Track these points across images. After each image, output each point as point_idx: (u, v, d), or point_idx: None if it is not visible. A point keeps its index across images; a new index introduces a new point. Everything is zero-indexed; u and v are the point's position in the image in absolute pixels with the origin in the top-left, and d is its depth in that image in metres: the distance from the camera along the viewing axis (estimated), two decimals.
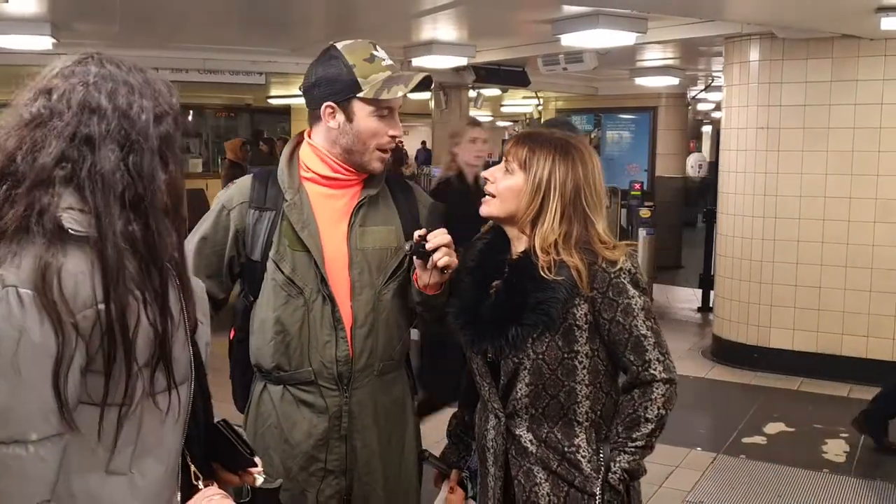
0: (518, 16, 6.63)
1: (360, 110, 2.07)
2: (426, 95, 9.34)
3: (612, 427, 1.94)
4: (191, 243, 2.13)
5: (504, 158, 2.01)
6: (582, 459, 1.92)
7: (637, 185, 9.23)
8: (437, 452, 2.28)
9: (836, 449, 5.05)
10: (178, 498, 1.49)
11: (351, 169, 2.14)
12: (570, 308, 1.89)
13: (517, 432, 1.98)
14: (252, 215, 2.14)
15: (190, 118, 16.30)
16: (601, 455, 1.91)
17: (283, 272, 2.09)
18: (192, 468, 1.54)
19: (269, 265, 2.10)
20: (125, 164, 1.34)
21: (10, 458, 1.23)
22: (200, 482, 1.54)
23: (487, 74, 9.73)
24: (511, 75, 9.83)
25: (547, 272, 1.89)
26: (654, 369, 1.90)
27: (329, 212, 2.14)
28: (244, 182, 2.21)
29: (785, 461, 4.85)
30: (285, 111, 16.19)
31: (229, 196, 2.19)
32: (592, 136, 13.46)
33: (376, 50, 2.10)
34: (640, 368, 1.90)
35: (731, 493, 4.48)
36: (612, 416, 1.96)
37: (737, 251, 6.90)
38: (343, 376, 2.11)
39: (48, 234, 1.27)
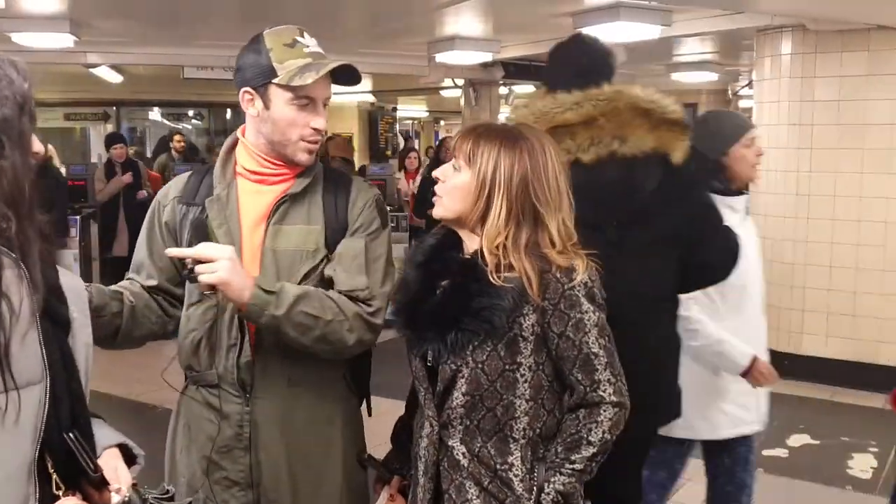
0: (539, 8, 6.46)
1: (277, 97, 1.94)
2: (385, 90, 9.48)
3: (552, 447, 1.77)
4: (141, 240, 2.11)
5: (453, 155, 1.85)
6: (514, 478, 1.76)
7: None
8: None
9: (862, 464, 4.77)
10: None
11: (279, 162, 2.02)
12: (517, 317, 1.73)
13: (450, 443, 1.82)
14: (180, 210, 2.06)
15: (228, 116, 16.43)
16: (535, 475, 1.76)
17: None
18: (55, 477, 1.41)
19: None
20: None
21: None
22: (62, 492, 1.41)
23: (517, 70, 9.58)
24: (542, 70, 9.64)
25: (495, 276, 1.73)
26: (604, 391, 1.74)
27: (254, 209, 2.02)
28: (182, 177, 2.14)
29: (805, 476, 4.59)
30: None
31: (165, 191, 2.14)
32: None
33: (301, 36, 1.96)
34: (587, 388, 1.74)
35: None
36: (553, 435, 1.79)
37: (767, 253, 6.57)
38: (245, 383, 1.99)
39: None
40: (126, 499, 1.45)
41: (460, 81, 10.52)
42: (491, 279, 1.73)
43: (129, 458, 1.56)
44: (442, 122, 21.89)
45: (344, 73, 1.96)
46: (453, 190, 1.82)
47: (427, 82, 9.89)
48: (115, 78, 10.27)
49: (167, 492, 1.58)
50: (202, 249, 1.84)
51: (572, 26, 6.38)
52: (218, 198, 2.01)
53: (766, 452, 4.95)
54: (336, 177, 2.12)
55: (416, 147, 16.87)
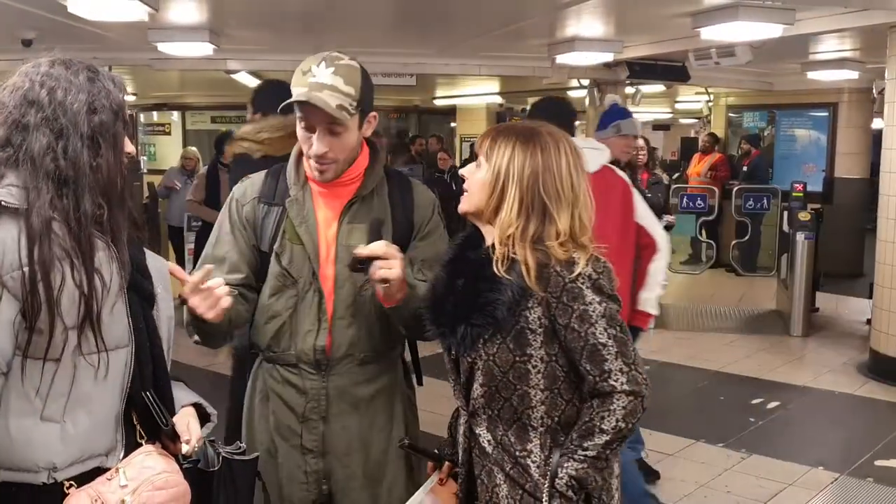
0: (658, 9, 6.41)
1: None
2: (408, 82, 9.19)
3: (569, 434, 1.85)
4: (220, 236, 2.28)
5: (476, 154, 1.98)
6: (531, 464, 1.85)
7: (799, 187, 8.62)
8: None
9: None
10: (121, 454, 1.64)
11: None
12: (522, 311, 1.82)
13: (477, 431, 1.94)
14: (262, 209, 2.26)
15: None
16: (551, 461, 1.83)
17: (281, 263, 2.21)
18: (138, 428, 1.69)
19: (273, 257, 2.22)
20: (54, 148, 1.54)
21: None
22: (144, 441, 1.68)
23: (642, 70, 9.43)
24: (669, 70, 9.48)
25: (499, 268, 1.82)
26: (615, 380, 1.78)
27: (327, 209, 2.23)
28: (258, 177, 2.33)
29: None
30: (450, 111, 16.43)
31: (243, 190, 2.32)
32: (765, 133, 12.76)
33: (318, 65, 2.09)
34: (597, 378, 1.79)
35: None
36: (573, 424, 1.86)
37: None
38: (321, 363, 2.21)
39: None
40: (194, 450, 1.69)
41: (585, 82, 10.48)
42: (495, 270, 1.82)
43: (204, 417, 1.83)
44: (575, 123, 21.69)
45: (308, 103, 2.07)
46: (473, 185, 1.94)
47: (550, 83, 9.89)
48: (253, 83, 10.80)
49: (239, 447, 1.84)
50: (385, 248, 2.01)
51: (691, 26, 6.31)
52: (296, 199, 2.22)
53: (878, 462, 4.78)
54: (398, 178, 2.33)
55: None
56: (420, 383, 2.45)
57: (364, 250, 2.00)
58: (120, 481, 1.56)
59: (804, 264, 7.90)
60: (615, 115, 4.23)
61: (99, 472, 1.59)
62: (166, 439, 1.72)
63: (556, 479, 1.80)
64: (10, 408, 1.52)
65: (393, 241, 2.15)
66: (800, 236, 7.97)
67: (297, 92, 2.07)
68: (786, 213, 8.72)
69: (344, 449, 2.25)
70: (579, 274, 1.80)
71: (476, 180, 1.93)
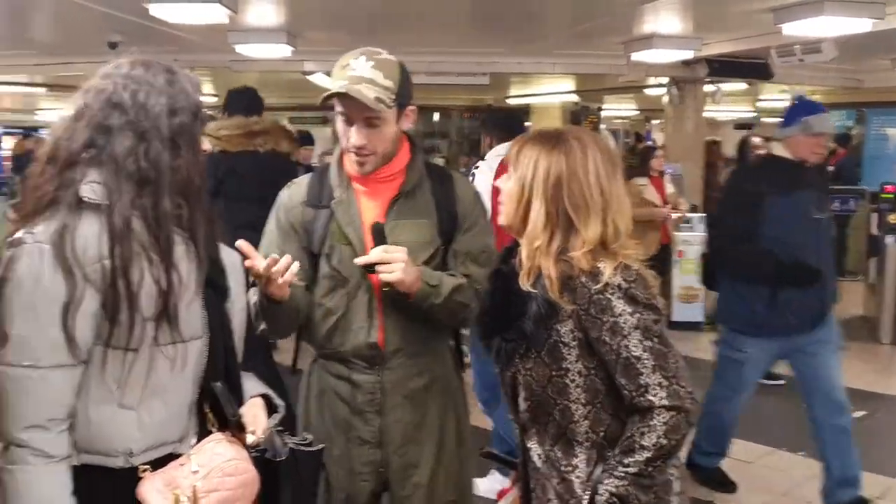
0: (739, 5, 6.24)
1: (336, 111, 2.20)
2: (481, 81, 9.04)
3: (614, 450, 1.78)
4: (273, 240, 2.31)
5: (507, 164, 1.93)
6: (576, 480, 1.80)
7: (889, 188, 8.27)
8: None
9: None
10: (193, 441, 1.72)
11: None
12: (554, 324, 1.76)
13: (529, 445, 1.90)
14: (309, 213, 2.31)
15: (436, 119, 16.93)
16: (594, 477, 1.78)
17: (331, 264, 2.26)
18: (210, 417, 1.75)
19: (322, 258, 2.28)
20: (136, 150, 1.61)
21: (22, 378, 1.52)
22: (214, 429, 1.74)
23: (722, 67, 9.20)
24: (750, 68, 9.22)
25: (524, 282, 1.78)
26: (653, 395, 1.70)
27: (372, 207, 2.27)
28: (302, 181, 2.39)
29: None
30: (525, 110, 16.32)
31: (289, 195, 2.37)
32: (853, 133, 12.31)
33: (357, 59, 2.13)
34: (633, 393, 1.72)
35: None
36: (619, 439, 1.79)
37: None
38: (374, 358, 2.27)
39: (70, 203, 1.57)
40: (260, 440, 1.76)
41: (663, 80, 10.28)
42: (521, 285, 1.77)
43: (272, 408, 1.88)
44: (654, 122, 21.33)
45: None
46: (504, 196, 1.89)
47: (627, 81, 9.74)
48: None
49: (305, 439, 1.90)
50: (383, 254, 2.08)
51: (773, 22, 6.12)
52: (341, 200, 2.26)
53: None
54: (438, 171, 2.38)
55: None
56: (462, 370, 2.50)
57: (360, 260, 2.10)
58: (192, 467, 1.63)
59: (894, 269, 7.59)
60: (803, 111, 3.93)
61: (172, 457, 1.66)
62: (234, 429, 1.77)
63: (596, 496, 1.73)
64: (90, 395, 1.59)
65: (438, 235, 2.26)
66: (889, 240, 7.67)
67: (337, 85, 2.09)
68: (875, 216, 8.39)
69: (400, 440, 2.30)
70: (606, 284, 1.73)
71: (506, 193, 1.89)
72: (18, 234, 1.56)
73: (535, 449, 1.88)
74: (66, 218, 1.56)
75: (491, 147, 4.54)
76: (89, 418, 1.60)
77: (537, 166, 1.81)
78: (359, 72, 2.10)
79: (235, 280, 1.82)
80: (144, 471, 1.62)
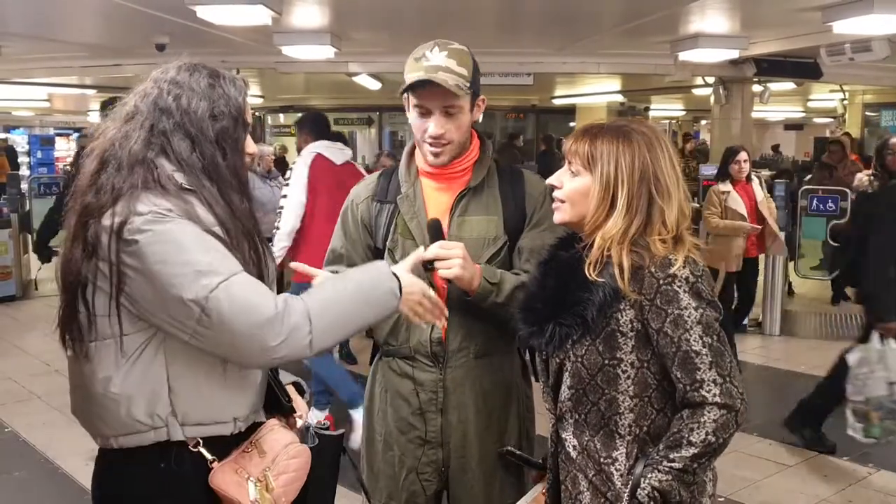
0: (786, 3, 6.14)
1: (407, 105, 2.23)
2: (525, 81, 8.97)
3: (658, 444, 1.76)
4: (339, 234, 2.38)
5: (566, 160, 1.89)
6: (615, 472, 1.78)
7: None
8: None
9: None
10: (263, 418, 1.84)
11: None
12: (614, 312, 1.75)
13: (563, 436, 1.89)
14: (375, 207, 2.33)
15: (480, 119, 16.90)
16: (635, 471, 1.75)
17: (395, 259, 2.22)
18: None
19: (386, 253, 2.28)
20: (194, 150, 1.71)
21: (234, 286, 1.60)
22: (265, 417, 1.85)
23: (770, 67, 9.07)
24: (799, 67, 9.08)
25: (591, 271, 1.77)
26: (707, 391, 1.68)
27: (438, 203, 2.27)
28: (372, 178, 2.43)
29: None
30: (570, 110, 16.27)
31: (358, 192, 2.41)
32: None
33: (430, 51, 2.15)
34: (687, 387, 1.70)
35: None
36: (663, 435, 1.77)
37: None
38: (438, 355, 2.26)
39: (175, 189, 1.66)
40: (306, 424, 1.88)
41: (710, 79, 10.18)
42: (587, 273, 1.77)
43: (301, 393, 1.99)
44: (702, 122, 21.11)
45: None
46: (574, 194, 1.85)
47: (673, 81, 9.65)
48: (374, 85, 11.03)
49: (324, 424, 1.97)
50: (440, 250, 2.08)
51: (821, 20, 6.02)
52: (406, 195, 2.28)
53: None
54: (509, 169, 2.36)
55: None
56: (537, 380, 2.44)
57: (409, 261, 2.03)
58: (259, 454, 1.72)
59: None
60: None
61: (256, 426, 1.79)
62: (287, 414, 1.87)
63: (639, 490, 1.72)
64: (201, 369, 1.68)
65: (505, 232, 2.25)
66: None
67: (416, 75, 2.12)
68: None
69: (460, 441, 2.28)
70: (675, 276, 1.72)
71: (577, 189, 1.85)
72: (144, 208, 1.61)
73: (570, 440, 1.88)
74: (179, 201, 1.65)
75: (306, 144, 5.07)
76: (200, 391, 1.69)
77: (620, 161, 1.79)
78: (434, 62, 2.13)
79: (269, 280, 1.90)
80: (213, 461, 1.70)
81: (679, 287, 1.72)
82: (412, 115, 2.22)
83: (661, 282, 1.73)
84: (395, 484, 2.31)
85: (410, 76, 2.14)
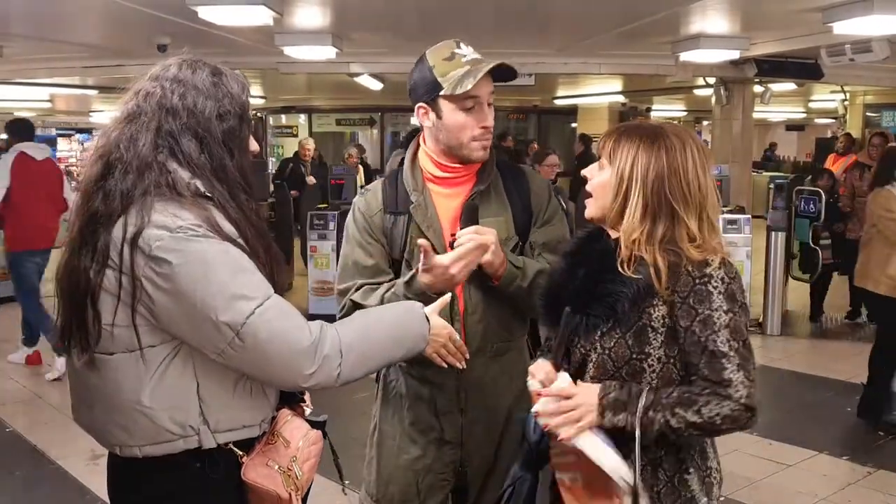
0: (787, 4, 6.15)
1: (446, 107, 2.18)
2: (527, 81, 8.92)
3: (671, 389, 1.75)
4: (358, 248, 2.34)
5: (599, 154, 1.92)
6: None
7: None
8: None
9: None
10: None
11: (457, 164, 2.25)
12: (646, 307, 1.76)
13: None
14: (388, 219, 2.31)
15: None
16: (660, 472, 1.80)
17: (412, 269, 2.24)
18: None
19: (403, 264, 2.29)
20: (203, 151, 1.69)
21: (269, 311, 1.62)
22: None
23: (771, 67, 9.07)
24: (800, 68, 9.08)
25: (625, 269, 1.77)
26: (735, 390, 1.69)
27: (449, 208, 2.27)
28: (376, 188, 2.38)
29: None
30: (572, 111, 16.28)
31: (367, 203, 2.36)
32: None
33: (458, 48, 2.17)
34: (716, 385, 1.71)
35: None
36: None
37: None
38: None
39: (191, 196, 1.64)
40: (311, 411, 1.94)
41: (711, 80, 10.18)
42: (621, 269, 1.77)
43: None
44: (705, 123, 21.10)
45: (504, 71, 2.16)
46: (597, 187, 1.88)
47: (674, 81, 9.65)
48: (375, 85, 11.02)
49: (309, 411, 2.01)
50: (475, 234, 2.09)
51: (822, 21, 6.02)
52: (418, 204, 2.26)
53: None
54: (510, 168, 2.38)
55: None
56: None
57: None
58: (283, 443, 1.78)
59: None
60: None
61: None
62: (299, 403, 1.91)
63: (638, 409, 1.73)
64: (229, 379, 1.69)
65: (516, 232, 2.28)
66: None
67: (474, 69, 2.11)
68: None
69: (481, 438, 2.31)
70: (711, 276, 1.73)
71: (599, 182, 1.88)
72: (171, 222, 1.59)
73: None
74: (198, 208, 1.63)
75: (10, 146, 6.37)
76: (231, 400, 1.70)
77: (637, 160, 1.80)
78: (470, 56, 2.16)
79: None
80: (242, 456, 1.72)
81: (714, 288, 1.73)
82: (458, 116, 2.16)
83: (697, 281, 1.74)
84: (411, 486, 2.32)
85: (457, 72, 2.11)
